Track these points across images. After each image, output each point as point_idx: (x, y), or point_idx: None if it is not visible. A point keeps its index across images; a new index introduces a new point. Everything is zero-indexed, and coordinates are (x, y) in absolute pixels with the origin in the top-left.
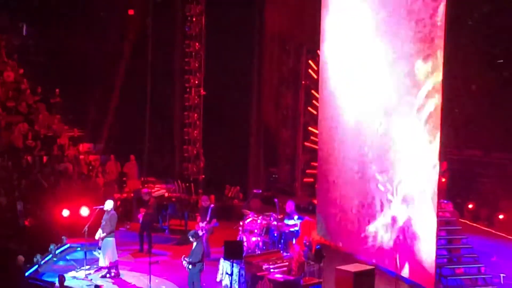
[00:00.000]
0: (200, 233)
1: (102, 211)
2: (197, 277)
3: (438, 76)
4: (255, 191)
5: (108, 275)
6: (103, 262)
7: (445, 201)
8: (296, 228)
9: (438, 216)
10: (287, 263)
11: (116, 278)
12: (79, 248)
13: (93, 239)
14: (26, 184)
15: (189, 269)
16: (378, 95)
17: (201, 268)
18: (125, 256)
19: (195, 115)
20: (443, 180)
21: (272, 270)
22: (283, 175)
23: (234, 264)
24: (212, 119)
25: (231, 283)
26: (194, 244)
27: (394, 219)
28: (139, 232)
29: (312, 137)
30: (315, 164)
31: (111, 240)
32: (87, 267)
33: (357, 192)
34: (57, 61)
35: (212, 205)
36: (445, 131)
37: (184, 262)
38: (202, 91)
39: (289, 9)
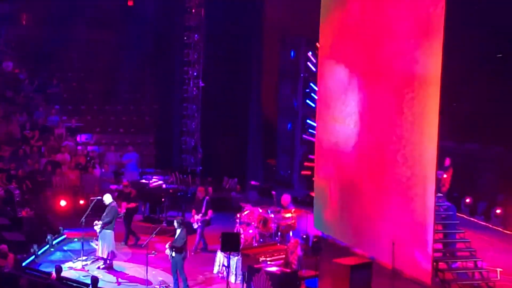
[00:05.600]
0: (195, 226)
1: (100, 203)
2: (181, 264)
3: (437, 70)
4: (252, 183)
5: (101, 266)
6: (100, 252)
7: (441, 195)
8: (293, 221)
9: (435, 210)
10: (283, 256)
11: (110, 269)
12: (76, 239)
13: (91, 230)
14: (23, 174)
15: (172, 257)
16: (377, 89)
17: (184, 256)
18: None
19: (194, 106)
20: (445, 176)
21: (269, 262)
22: (281, 167)
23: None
24: (211, 111)
25: (227, 275)
26: (178, 231)
27: (391, 213)
28: (127, 226)
29: (310, 130)
30: (313, 157)
31: (109, 232)
32: (84, 258)
33: (354, 186)
34: (56, 51)
35: (207, 197)
36: (444, 125)
37: (167, 250)
38: (201, 82)
39: (288, 0)
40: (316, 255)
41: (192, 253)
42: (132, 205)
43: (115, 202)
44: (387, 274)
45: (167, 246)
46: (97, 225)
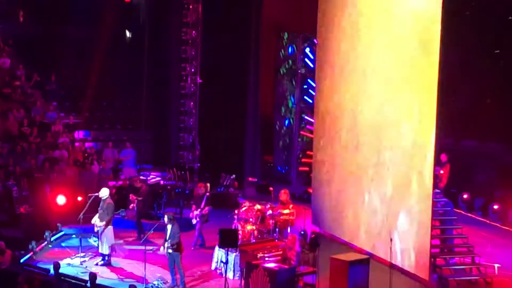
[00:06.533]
0: (194, 221)
1: (98, 199)
2: (178, 260)
3: (435, 66)
4: (250, 179)
5: (100, 262)
6: (103, 249)
7: (438, 191)
8: (291, 217)
9: (432, 206)
10: (281, 252)
11: (108, 265)
12: (74, 235)
13: (89, 227)
14: (21, 171)
15: (169, 253)
16: (375, 85)
17: (182, 250)
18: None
19: (191, 103)
20: (442, 172)
21: (267, 258)
22: (279, 163)
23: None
24: (208, 107)
25: (225, 271)
26: (169, 226)
27: (388, 209)
28: (136, 220)
29: (308, 126)
30: (311, 153)
31: (109, 228)
32: (82, 254)
33: (352, 182)
34: (53, 47)
35: (207, 193)
36: (441, 121)
37: (163, 248)
38: (198, 79)
39: None
40: (314, 251)
41: (192, 249)
42: (132, 198)
43: (110, 199)
44: (384, 270)
45: (162, 248)
46: (99, 226)
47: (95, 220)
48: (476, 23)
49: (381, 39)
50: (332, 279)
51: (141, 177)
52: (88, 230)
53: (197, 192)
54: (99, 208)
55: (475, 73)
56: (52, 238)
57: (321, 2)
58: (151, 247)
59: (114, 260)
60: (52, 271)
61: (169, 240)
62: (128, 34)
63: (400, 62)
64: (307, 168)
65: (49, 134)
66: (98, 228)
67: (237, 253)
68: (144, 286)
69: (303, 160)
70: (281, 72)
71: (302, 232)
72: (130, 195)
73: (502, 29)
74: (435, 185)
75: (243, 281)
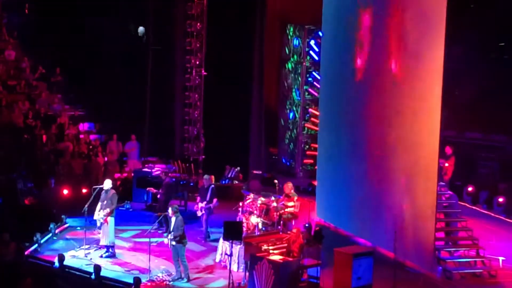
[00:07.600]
0: (199, 213)
1: (102, 191)
2: (182, 252)
3: (440, 58)
4: (255, 172)
5: (104, 254)
6: (103, 241)
7: (443, 184)
8: (296, 210)
9: (437, 199)
10: (286, 245)
11: (112, 257)
12: (78, 227)
13: (93, 219)
14: (26, 163)
15: (173, 245)
16: (379, 77)
17: (185, 242)
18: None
19: (196, 95)
20: (447, 164)
21: (271, 251)
22: (284, 156)
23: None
24: (213, 100)
25: (230, 263)
26: (173, 218)
27: (393, 202)
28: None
29: (312, 119)
30: (316, 145)
31: (111, 219)
32: (87, 246)
33: (356, 174)
34: (58, 39)
35: (212, 185)
36: (445, 113)
37: (167, 240)
38: (203, 71)
39: None
40: (318, 244)
41: (203, 241)
42: (151, 189)
43: (114, 189)
44: (389, 263)
45: (165, 240)
46: (101, 214)
47: (97, 213)
48: (481, 16)
49: (386, 31)
50: (336, 272)
51: (165, 170)
52: (92, 222)
53: (202, 184)
54: (100, 200)
55: (479, 65)
56: (57, 230)
57: None
58: (155, 239)
59: (119, 252)
60: (56, 263)
61: (173, 232)
62: (133, 26)
63: (406, 54)
64: (311, 161)
65: (55, 126)
66: (100, 219)
67: (242, 245)
68: (148, 278)
69: (307, 152)
70: (286, 67)
71: (307, 225)
72: (150, 188)
73: (507, 22)
74: (440, 178)
75: (247, 274)
